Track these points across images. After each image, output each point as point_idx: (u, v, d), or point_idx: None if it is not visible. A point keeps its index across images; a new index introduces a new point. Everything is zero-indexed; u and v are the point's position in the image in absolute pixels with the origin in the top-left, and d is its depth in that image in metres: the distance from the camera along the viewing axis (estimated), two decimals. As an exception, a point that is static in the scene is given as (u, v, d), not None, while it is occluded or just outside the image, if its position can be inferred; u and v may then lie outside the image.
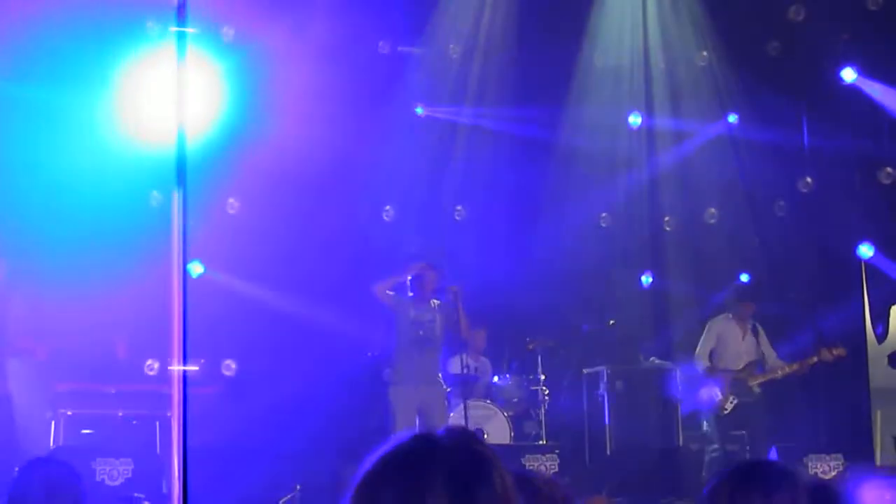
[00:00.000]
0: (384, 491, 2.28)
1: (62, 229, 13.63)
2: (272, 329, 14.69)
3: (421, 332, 12.02)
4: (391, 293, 12.08)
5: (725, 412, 13.33)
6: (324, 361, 14.65)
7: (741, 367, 13.44)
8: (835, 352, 13.49)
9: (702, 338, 13.68)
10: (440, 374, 12.37)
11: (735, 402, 13.30)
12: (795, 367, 13.51)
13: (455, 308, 12.01)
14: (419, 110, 15.93)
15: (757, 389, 13.50)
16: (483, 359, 14.72)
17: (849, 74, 15.66)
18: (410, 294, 12.17)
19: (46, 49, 13.52)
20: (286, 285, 14.79)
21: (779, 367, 13.50)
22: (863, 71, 15.64)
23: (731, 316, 13.67)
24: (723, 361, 13.53)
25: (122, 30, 14.14)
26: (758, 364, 13.47)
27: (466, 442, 2.35)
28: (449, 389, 13.58)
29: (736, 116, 16.32)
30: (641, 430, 14.12)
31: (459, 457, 2.31)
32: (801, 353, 13.81)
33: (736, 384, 13.38)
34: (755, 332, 13.61)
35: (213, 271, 14.71)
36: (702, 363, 13.54)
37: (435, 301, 12.20)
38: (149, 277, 14.48)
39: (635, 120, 16.51)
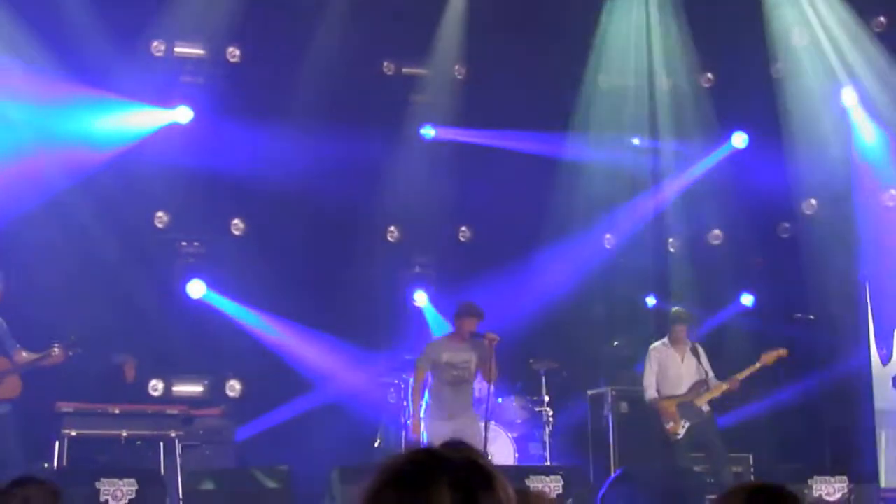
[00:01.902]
0: (390, 501, 2.31)
1: (65, 246, 13.65)
2: (276, 349, 14.69)
3: (455, 373, 12.30)
4: (421, 368, 12.34)
5: (678, 437, 13.27)
6: (329, 381, 14.66)
7: (686, 390, 13.42)
8: (776, 353, 13.49)
9: (644, 368, 13.66)
10: (472, 405, 12.57)
11: (686, 425, 13.26)
12: (740, 376, 13.45)
13: (488, 355, 12.19)
14: (428, 131, 15.92)
15: (706, 408, 13.46)
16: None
17: (849, 96, 15.71)
18: (446, 338, 12.47)
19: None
20: (290, 305, 14.80)
21: (723, 383, 13.45)
22: (867, 92, 15.67)
23: (667, 341, 13.66)
24: (665, 387, 13.49)
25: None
26: (703, 384, 13.44)
27: (467, 454, 2.39)
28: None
29: (742, 138, 16.30)
30: (646, 452, 14.09)
31: (462, 467, 2.34)
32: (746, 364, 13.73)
33: (684, 408, 13.33)
34: (695, 353, 13.59)
35: (218, 292, 14.74)
36: (649, 393, 13.50)
37: (470, 343, 12.34)
38: (153, 298, 14.56)
39: (638, 142, 16.52)
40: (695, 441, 13.37)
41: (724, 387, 13.43)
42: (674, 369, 13.50)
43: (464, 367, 12.29)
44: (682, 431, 13.27)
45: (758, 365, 13.46)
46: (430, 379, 12.40)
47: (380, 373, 14.50)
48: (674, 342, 13.61)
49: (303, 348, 14.75)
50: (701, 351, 13.66)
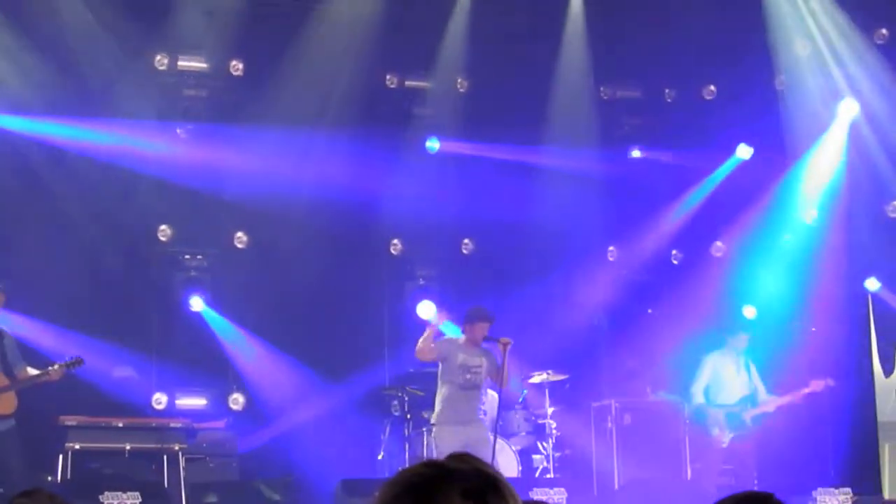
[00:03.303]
0: None
1: (68, 259, 13.67)
2: (279, 361, 14.70)
3: (468, 377, 12.17)
4: (434, 345, 12.15)
5: (724, 445, 13.34)
6: (333, 393, 14.66)
7: (735, 401, 13.47)
8: (824, 382, 13.56)
9: (698, 373, 13.73)
10: (481, 414, 12.43)
11: (731, 435, 13.30)
12: (787, 398, 13.54)
13: (501, 360, 12.12)
14: (433, 144, 15.91)
15: (750, 423, 13.50)
16: (491, 392, 14.69)
17: (850, 108, 15.70)
18: (462, 339, 12.29)
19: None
20: (293, 317, 14.82)
21: (770, 401, 13.53)
22: (867, 103, 15.66)
23: (725, 350, 13.71)
24: (718, 396, 13.55)
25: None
26: (751, 398, 13.49)
27: (473, 463, 2.41)
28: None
29: (747, 150, 16.28)
30: (649, 464, 14.08)
31: (471, 477, 2.36)
32: (795, 385, 13.84)
33: (731, 418, 13.37)
34: (747, 367, 13.67)
35: (217, 309, 14.75)
36: (696, 399, 13.55)
37: (482, 348, 12.29)
38: (156, 311, 14.58)
39: (641, 154, 16.51)
40: (730, 451, 13.47)
41: (780, 401, 13.55)
42: (728, 378, 13.60)
43: (476, 371, 12.17)
44: (726, 441, 13.34)
45: (805, 391, 13.56)
46: (440, 383, 12.27)
47: (383, 385, 14.49)
48: (732, 351, 13.70)
49: (306, 358, 14.75)
50: (753, 367, 13.77)
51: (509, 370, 12.20)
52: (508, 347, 12.04)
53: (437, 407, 12.23)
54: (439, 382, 12.28)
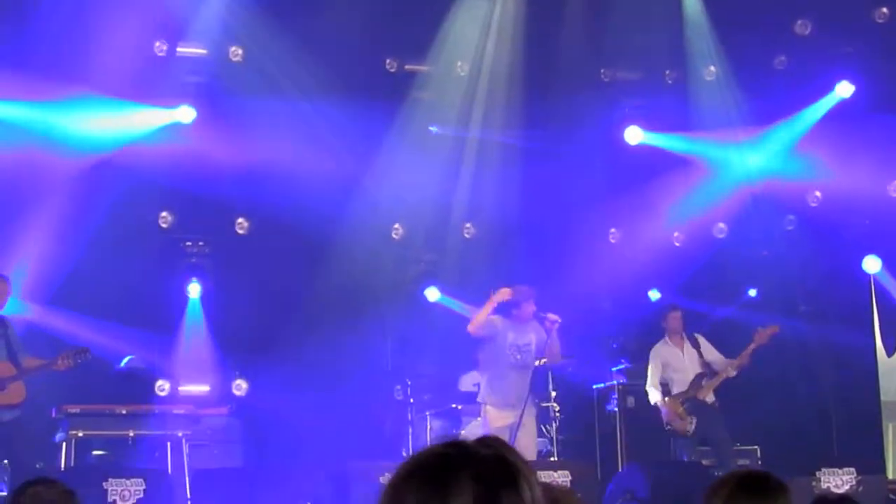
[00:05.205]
0: (409, 493, 2.31)
1: (69, 247, 13.66)
2: (282, 347, 14.68)
3: (519, 356, 12.16)
4: (491, 319, 12.12)
5: (689, 434, 13.26)
6: (336, 378, 14.65)
7: (687, 386, 13.39)
8: (769, 330, 13.47)
9: (648, 370, 13.61)
10: (530, 394, 12.39)
11: (694, 421, 13.23)
12: (739, 360, 13.45)
13: (549, 337, 12.16)
14: (433, 128, 15.91)
15: (711, 398, 13.43)
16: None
17: (844, 89, 15.64)
18: (509, 317, 12.29)
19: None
20: (295, 303, 14.81)
21: (727, 367, 13.45)
22: (868, 83, 15.62)
23: (666, 339, 13.63)
24: (674, 387, 13.46)
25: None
26: (702, 376, 13.41)
27: (497, 450, 2.37)
28: (461, 407, 13.60)
29: (750, 131, 16.26)
30: (653, 446, 14.09)
31: (488, 463, 2.33)
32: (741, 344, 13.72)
33: (688, 404, 13.31)
34: (694, 344, 13.55)
35: (222, 290, 14.74)
36: (653, 395, 13.44)
37: (530, 324, 12.28)
38: (159, 298, 14.58)
39: (639, 134, 16.42)
40: (701, 434, 13.36)
41: (723, 375, 13.45)
42: (678, 366, 13.48)
43: (527, 349, 12.20)
44: (691, 428, 13.26)
45: (753, 345, 13.45)
46: (485, 364, 12.24)
47: (385, 369, 14.48)
48: (671, 335, 13.59)
49: (308, 346, 14.75)
50: (701, 340, 13.64)
51: (558, 348, 12.36)
52: (557, 326, 12.09)
53: (484, 389, 12.19)
54: (484, 363, 12.24)
